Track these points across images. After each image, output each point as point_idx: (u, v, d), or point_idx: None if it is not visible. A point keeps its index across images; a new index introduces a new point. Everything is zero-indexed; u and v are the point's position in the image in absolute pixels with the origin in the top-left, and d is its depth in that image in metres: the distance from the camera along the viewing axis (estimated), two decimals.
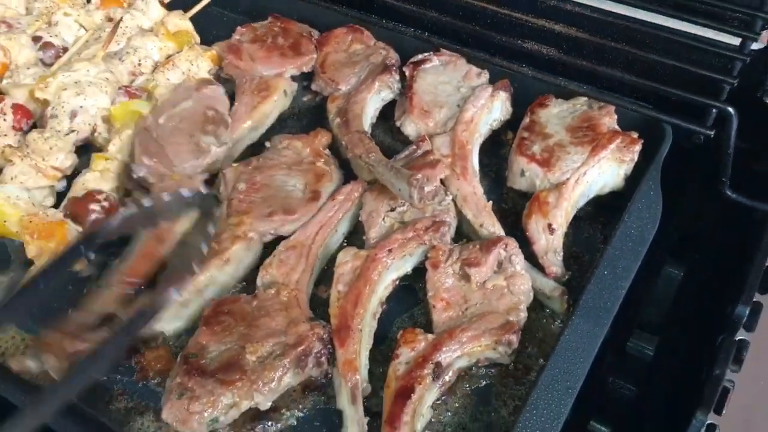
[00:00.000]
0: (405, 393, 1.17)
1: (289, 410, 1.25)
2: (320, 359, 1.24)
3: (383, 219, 1.45)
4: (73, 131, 1.66)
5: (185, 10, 2.00)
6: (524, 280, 1.33)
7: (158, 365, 1.31)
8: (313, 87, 1.86)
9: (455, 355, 1.23)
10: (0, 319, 1.07)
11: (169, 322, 1.35)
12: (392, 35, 1.86)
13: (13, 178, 1.55)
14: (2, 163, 1.60)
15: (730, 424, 1.15)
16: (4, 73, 1.78)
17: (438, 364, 1.21)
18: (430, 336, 1.26)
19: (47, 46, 1.87)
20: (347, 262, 1.38)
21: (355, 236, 1.53)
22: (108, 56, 1.82)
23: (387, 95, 1.77)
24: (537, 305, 1.36)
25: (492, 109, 1.64)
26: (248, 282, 1.45)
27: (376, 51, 1.82)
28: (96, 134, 1.71)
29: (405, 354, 1.23)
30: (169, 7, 2.03)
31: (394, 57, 1.80)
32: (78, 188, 1.55)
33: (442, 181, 1.49)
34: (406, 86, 1.71)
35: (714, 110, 1.53)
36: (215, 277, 1.39)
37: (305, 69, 1.87)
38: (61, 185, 1.63)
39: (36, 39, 1.87)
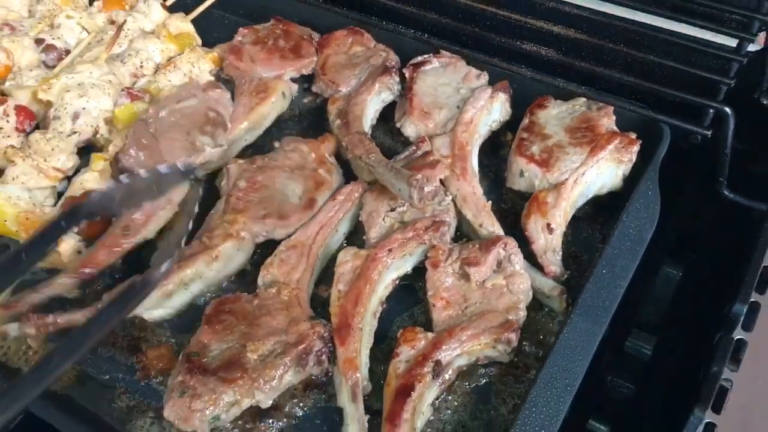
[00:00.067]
0: (405, 391, 1.18)
1: (290, 408, 1.26)
2: (321, 357, 1.25)
3: (383, 219, 1.46)
4: (75, 133, 1.67)
5: (187, 13, 2.01)
6: (523, 280, 1.34)
7: (160, 364, 1.32)
8: (314, 89, 1.87)
9: (455, 354, 1.24)
10: None
11: (149, 311, 1.36)
12: (392, 37, 1.87)
13: (14, 178, 1.56)
14: (4, 163, 1.61)
15: (728, 424, 1.15)
16: (7, 75, 1.79)
17: (438, 363, 1.21)
18: (430, 334, 1.27)
19: (50, 48, 1.88)
20: (348, 261, 1.38)
21: (356, 236, 1.54)
22: (110, 58, 1.83)
23: (387, 97, 1.78)
24: (536, 304, 1.37)
25: (491, 110, 1.65)
26: (243, 278, 1.47)
27: (377, 53, 1.83)
28: (98, 136, 1.72)
29: (405, 352, 1.24)
30: (171, 10, 2.04)
31: (394, 59, 1.81)
32: (76, 187, 1.56)
33: (441, 182, 1.50)
34: (406, 88, 1.72)
35: (711, 110, 1.54)
36: (202, 271, 1.40)
37: (305, 72, 1.88)
38: (62, 186, 1.64)
39: (39, 41, 1.88)
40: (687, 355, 1.42)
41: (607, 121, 1.54)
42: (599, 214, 1.54)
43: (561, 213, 1.43)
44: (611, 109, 1.55)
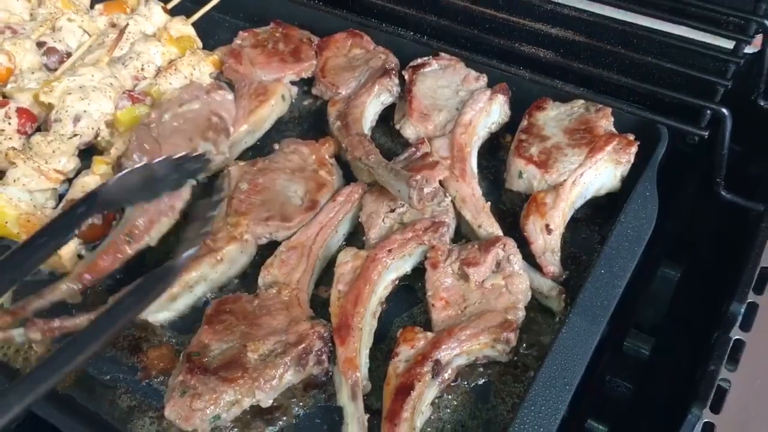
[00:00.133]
0: (405, 390, 1.18)
1: (290, 407, 1.26)
2: (321, 357, 1.25)
3: (383, 220, 1.47)
4: (76, 135, 1.68)
5: (187, 16, 2.03)
6: (522, 280, 1.34)
7: (161, 364, 1.33)
8: (314, 91, 1.88)
9: (454, 353, 1.24)
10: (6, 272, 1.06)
11: (155, 314, 1.37)
12: (391, 39, 1.88)
13: (15, 180, 1.57)
14: (5, 165, 1.62)
15: (727, 424, 1.16)
16: (9, 77, 1.80)
17: (437, 362, 1.22)
18: (429, 334, 1.28)
19: (51, 51, 1.89)
20: (347, 262, 1.39)
21: (356, 237, 1.55)
22: (111, 61, 1.84)
23: (387, 99, 1.79)
24: (535, 304, 1.38)
25: (490, 112, 1.66)
26: (243, 280, 1.48)
27: (376, 55, 1.84)
28: (99, 138, 1.73)
29: (405, 352, 1.25)
30: (172, 13, 2.05)
31: (393, 61, 1.82)
32: (77, 190, 1.57)
33: (441, 183, 1.51)
34: (406, 90, 1.73)
35: (708, 112, 1.54)
36: (206, 274, 1.41)
37: (304, 75, 1.89)
38: (63, 188, 1.65)
39: (40, 44, 1.89)
40: (685, 356, 1.42)
41: (606, 122, 1.55)
42: (598, 215, 1.55)
43: (559, 214, 1.44)
44: (609, 110, 1.56)
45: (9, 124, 1.67)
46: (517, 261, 1.36)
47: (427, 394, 1.21)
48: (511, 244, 1.39)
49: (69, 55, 1.90)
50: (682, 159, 1.60)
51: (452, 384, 1.27)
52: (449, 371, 1.25)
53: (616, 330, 1.41)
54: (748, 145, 1.70)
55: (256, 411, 1.24)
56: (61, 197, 1.64)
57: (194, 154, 1.31)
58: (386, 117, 1.79)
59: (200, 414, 1.16)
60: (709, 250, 1.62)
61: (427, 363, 1.21)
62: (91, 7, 2.09)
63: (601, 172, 1.51)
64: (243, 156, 1.75)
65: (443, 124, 1.65)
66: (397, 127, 1.70)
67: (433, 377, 1.21)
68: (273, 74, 1.86)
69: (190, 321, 1.40)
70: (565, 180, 1.46)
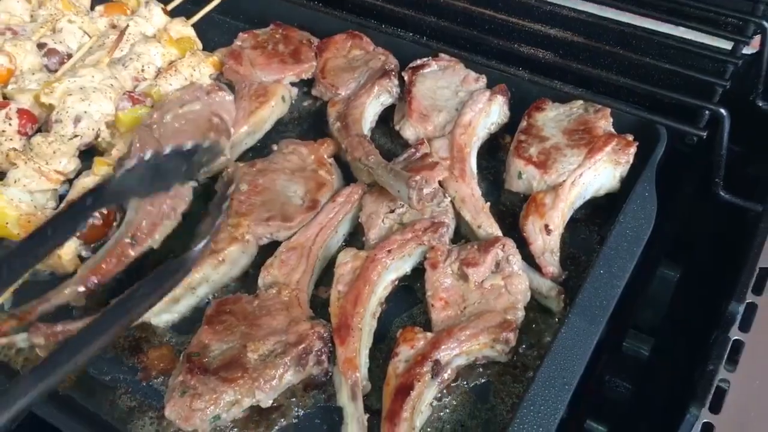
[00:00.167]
0: (404, 390, 1.18)
1: (290, 408, 1.26)
2: (321, 357, 1.26)
3: (382, 220, 1.47)
4: (77, 136, 1.68)
5: (188, 17, 2.03)
6: (521, 280, 1.35)
7: (161, 364, 1.33)
8: (314, 92, 1.88)
9: (454, 353, 1.24)
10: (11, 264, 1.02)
11: (157, 316, 1.38)
12: (391, 40, 1.89)
13: (16, 181, 1.57)
14: (6, 166, 1.62)
15: (726, 424, 1.16)
16: (9, 78, 1.80)
17: (437, 362, 1.22)
18: (429, 334, 1.28)
19: (52, 52, 1.90)
20: (347, 262, 1.40)
21: (355, 237, 1.55)
22: (112, 62, 1.84)
23: (386, 100, 1.79)
24: (534, 304, 1.38)
25: (490, 112, 1.67)
26: (244, 281, 1.48)
27: (376, 56, 1.85)
28: (99, 139, 1.73)
29: (404, 352, 1.25)
30: (172, 15, 2.06)
31: (393, 62, 1.83)
32: (77, 190, 1.57)
33: (440, 183, 1.52)
34: (405, 91, 1.73)
35: (707, 112, 1.55)
36: (209, 275, 1.42)
37: (304, 76, 1.89)
38: (63, 189, 1.65)
39: (41, 45, 1.89)
40: (684, 356, 1.43)
41: (605, 123, 1.55)
42: (597, 216, 1.55)
43: (559, 214, 1.44)
44: (608, 111, 1.56)
45: (9, 125, 1.68)
46: (516, 261, 1.37)
47: (426, 394, 1.21)
48: (511, 244, 1.39)
49: (69, 56, 1.90)
50: (681, 159, 1.60)
51: (452, 384, 1.28)
52: (449, 371, 1.25)
53: (615, 330, 1.42)
54: (746, 146, 1.71)
55: (256, 411, 1.24)
56: (61, 198, 1.64)
57: (205, 144, 1.28)
58: (386, 118, 1.79)
59: (200, 414, 1.16)
60: (708, 251, 1.63)
61: (427, 363, 1.22)
62: (92, 8, 2.10)
63: (600, 173, 1.51)
64: (243, 157, 1.75)
65: (443, 124, 1.66)
66: (397, 128, 1.70)
67: (432, 377, 1.22)
68: (273, 75, 1.86)
69: (190, 322, 1.40)
70: (564, 180, 1.47)
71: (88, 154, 1.70)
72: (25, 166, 1.58)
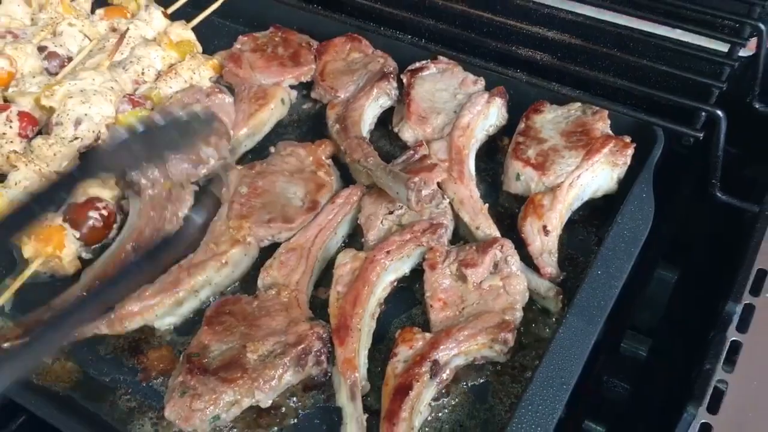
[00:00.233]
0: (403, 390, 1.19)
1: (289, 408, 1.27)
2: (320, 358, 1.26)
3: (381, 222, 1.48)
4: (77, 138, 1.68)
5: (187, 21, 2.04)
6: (520, 281, 1.35)
7: (161, 365, 1.34)
8: (313, 95, 1.89)
9: (452, 353, 1.25)
10: None
11: (161, 319, 1.38)
12: (390, 43, 1.90)
13: (17, 183, 1.58)
14: (7, 168, 1.63)
15: (724, 425, 1.16)
16: (10, 81, 1.81)
17: (435, 362, 1.23)
18: (427, 335, 1.28)
19: (52, 55, 1.91)
20: (346, 263, 1.40)
21: (354, 239, 1.56)
22: (112, 65, 1.85)
23: (385, 102, 1.80)
24: (532, 305, 1.38)
25: (488, 115, 1.67)
26: (245, 283, 1.49)
27: (374, 59, 1.86)
28: (100, 141, 1.73)
29: (403, 352, 1.26)
30: (172, 18, 2.07)
31: (391, 65, 1.84)
32: (78, 193, 1.57)
33: (439, 185, 1.52)
34: (404, 93, 1.74)
35: (703, 113, 1.56)
36: (212, 278, 1.42)
37: (303, 79, 1.90)
38: None
39: (41, 49, 1.90)
40: (682, 357, 1.43)
41: (602, 124, 1.56)
42: (594, 217, 1.56)
43: (557, 215, 1.45)
44: (606, 113, 1.57)
45: (10, 127, 1.68)
46: (514, 262, 1.37)
47: (425, 394, 1.22)
48: (509, 245, 1.40)
49: (70, 59, 1.91)
50: (678, 161, 1.61)
51: (450, 384, 1.28)
52: (447, 371, 1.25)
53: (613, 331, 1.42)
54: (743, 148, 1.72)
55: (256, 411, 1.25)
56: None
57: (201, 114, 1.25)
58: (385, 120, 1.80)
59: (200, 414, 1.17)
60: (705, 252, 1.63)
61: (426, 363, 1.22)
62: (92, 12, 2.11)
63: (598, 174, 1.52)
64: (242, 159, 1.76)
65: (441, 127, 1.67)
66: (396, 130, 1.71)
67: (431, 377, 1.22)
68: (272, 78, 1.87)
69: (190, 323, 1.41)
70: (562, 182, 1.47)
71: None
72: (25, 168, 1.59)
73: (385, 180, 1.46)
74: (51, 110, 1.72)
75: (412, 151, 1.60)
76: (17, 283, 1.41)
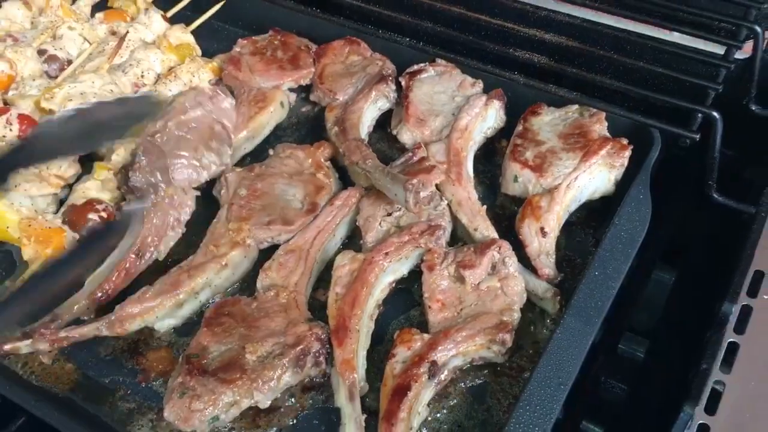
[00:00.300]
0: (401, 391, 1.19)
1: (288, 408, 1.27)
2: (318, 359, 1.27)
3: (380, 223, 1.49)
4: None
5: (187, 24, 2.05)
6: (517, 282, 1.36)
7: (160, 366, 1.34)
8: (312, 97, 1.90)
9: (450, 354, 1.25)
10: None
11: (161, 322, 1.39)
12: (388, 46, 1.90)
13: (17, 185, 1.58)
14: None
15: (722, 426, 1.17)
16: (10, 84, 1.82)
17: (434, 363, 1.23)
18: (426, 336, 1.29)
19: (52, 58, 1.91)
20: (345, 265, 1.41)
21: (353, 240, 1.56)
22: (112, 68, 1.86)
23: (384, 104, 1.81)
24: (530, 306, 1.39)
25: (486, 117, 1.68)
26: (244, 284, 1.49)
27: (373, 62, 1.86)
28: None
29: (401, 353, 1.26)
30: (172, 21, 2.07)
31: (390, 67, 1.84)
32: (78, 195, 1.58)
33: (437, 187, 1.53)
34: (402, 96, 1.75)
35: (699, 115, 1.57)
36: (212, 280, 1.43)
37: (302, 82, 1.91)
38: (63, 193, 1.66)
39: (41, 52, 1.90)
40: (679, 358, 1.44)
41: (600, 127, 1.57)
42: (592, 219, 1.57)
43: (554, 217, 1.46)
44: (603, 115, 1.58)
45: (10, 130, 1.68)
46: (512, 263, 1.38)
47: (423, 394, 1.22)
48: (507, 246, 1.40)
49: (70, 62, 1.91)
50: (675, 163, 1.61)
51: (448, 385, 1.29)
52: (446, 372, 1.26)
53: (610, 333, 1.43)
54: (739, 150, 1.73)
55: (255, 412, 1.25)
56: (61, 202, 1.65)
57: (139, 95, 1.23)
58: (383, 123, 1.81)
59: (199, 415, 1.17)
60: (702, 253, 1.64)
61: (424, 364, 1.23)
62: (92, 15, 2.11)
63: (595, 176, 1.52)
64: (241, 162, 1.77)
65: (440, 129, 1.67)
66: (394, 132, 1.72)
67: (429, 378, 1.23)
68: (272, 81, 1.88)
69: (189, 324, 1.42)
70: (559, 184, 1.48)
71: (88, 159, 1.71)
72: (25, 170, 1.59)
73: (383, 182, 1.47)
74: (51, 113, 1.72)
75: (410, 153, 1.60)
76: (17, 285, 1.42)
